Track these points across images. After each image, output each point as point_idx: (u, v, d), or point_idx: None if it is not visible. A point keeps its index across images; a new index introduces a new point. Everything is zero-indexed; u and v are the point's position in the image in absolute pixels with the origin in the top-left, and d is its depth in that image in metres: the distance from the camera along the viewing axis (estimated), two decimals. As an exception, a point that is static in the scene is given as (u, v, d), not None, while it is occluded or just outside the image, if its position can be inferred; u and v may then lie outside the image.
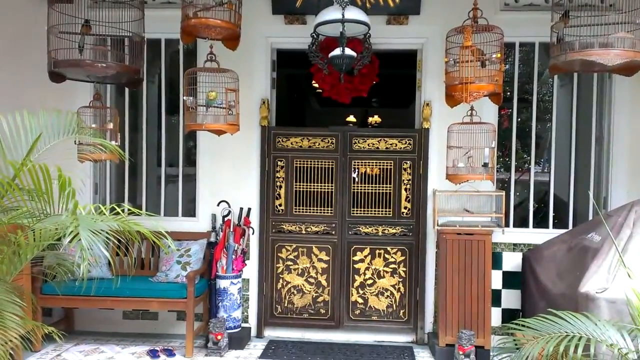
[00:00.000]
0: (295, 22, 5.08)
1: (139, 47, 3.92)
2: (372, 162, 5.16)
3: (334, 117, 8.77)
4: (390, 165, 5.13)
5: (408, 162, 5.12)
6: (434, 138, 5.03)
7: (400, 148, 5.12)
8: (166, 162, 5.48)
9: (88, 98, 4.59)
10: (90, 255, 2.46)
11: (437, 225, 4.82)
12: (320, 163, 5.17)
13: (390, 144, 5.13)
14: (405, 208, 5.15)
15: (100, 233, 2.51)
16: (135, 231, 2.71)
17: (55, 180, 2.65)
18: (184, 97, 4.00)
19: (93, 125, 4.24)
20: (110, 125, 4.29)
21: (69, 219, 2.59)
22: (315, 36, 3.70)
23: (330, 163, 5.17)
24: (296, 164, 5.19)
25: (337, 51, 3.45)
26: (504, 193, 4.83)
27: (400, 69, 5.85)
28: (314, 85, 5.62)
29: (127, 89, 5.17)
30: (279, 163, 5.21)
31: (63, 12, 3.79)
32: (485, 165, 4.21)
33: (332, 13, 3.43)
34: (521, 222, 5.32)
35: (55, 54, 3.73)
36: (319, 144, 5.17)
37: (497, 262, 5.01)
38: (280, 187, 5.22)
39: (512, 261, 5.03)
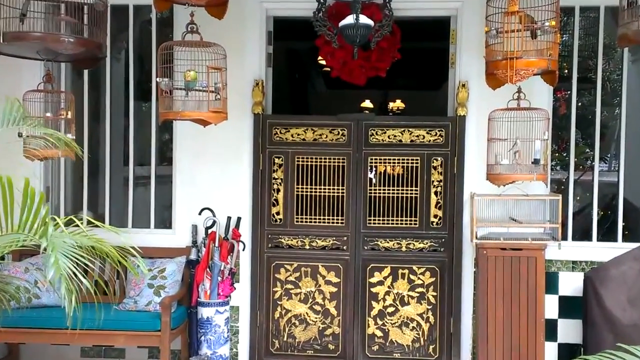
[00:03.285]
0: None
1: (100, 16, 3.91)
2: (394, 159, 5.17)
3: (346, 102, 8.60)
4: (417, 163, 5.14)
5: (439, 158, 5.12)
6: (472, 128, 5.05)
7: (429, 141, 5.13)
8: (135, 160, 5.46)
9: (37, 80, 4.57)
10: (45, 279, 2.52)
11: (476, 238, 4.81)
12: (328, 160, 5.19)
13: (417, 136, 5.14)
14: (435, 216, 5.15)
15: (76, 259, 2.55)
16: (98, 248, 2.74)
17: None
18: (158, 79, 3.99)
19: (47, 114, 4.26)
20: (66, 114, 4.28)
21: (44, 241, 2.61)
22: (322, 0, 3.81)
23: (341, 160, 5.19)
24: (298, 161, 5.21)
25: (349, 19, 3.52)
26: (560, 197, 4.82)
27: (428, 42, 5.88)
28: (320, 62, 5.71)
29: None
30: (276, 160, 5.22)
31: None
32: (536, 162, 4.20)
33: None
34: (582, 234, 5.30)
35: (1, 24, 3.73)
36: (327, 136, 5.20)
37: (551, 285, 5.00)
38: (278, 190, 5.23)
39: (570, 283, 5.02)
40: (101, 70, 5.29)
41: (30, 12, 3.82)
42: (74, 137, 4.18)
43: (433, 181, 5.13)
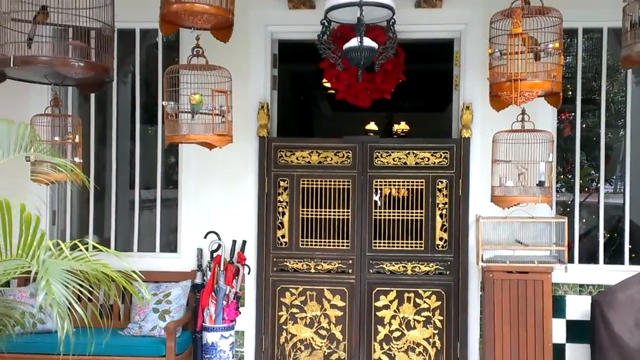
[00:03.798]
0: (301, 7, 5.14)
1: (107, 40, 3.95)
2: (399, 182, 5.17)
3: (350, 124, 8.76)
4: (422, 185, 5.14)
5: (444, 180, 5.12)
6: (476, 150, 5.06)
7: (434, 163, 5.14)
8: (141, 184, 5.47)
9: (44, 104, 4.61)
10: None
11: (482, 261, 4.78)
12: (333, 183, 5.21)
13: (421, 158, 5.15)
14: (440, 239, 5.12)
15: (69, 284, 2.54)
16: (102, 273, 2.72)
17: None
18: (164, 102, 4.02)
19: (56, 138, 4.29)
20: (73, 138, 4.29)
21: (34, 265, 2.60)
22: (326, 23, 3.73)
23: (346, 183, 5.19)
24: (303, 184, 5.22)
25: (353, 42, 3.49)
26: (566, 220, 4.79)
27: (432, 64, 5.89)
28: (325, 84, 5.73)
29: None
30: (281, 183, 5.24)
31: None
32: (541, 184, 4.18)
33: None
34: (589, 257, 5.26)
35: (3, 49, 3.76)
36: (332, 158, 5.21)
37: (559, 309, 4.95)
38: (283, 213, 5.23)
39: (578, 307, 4.97)
40: (108, 93, 5.34)
41: (38, 37, 3.84)
42: (81, 161, 4.23)
43: (438, 203, 5.12)
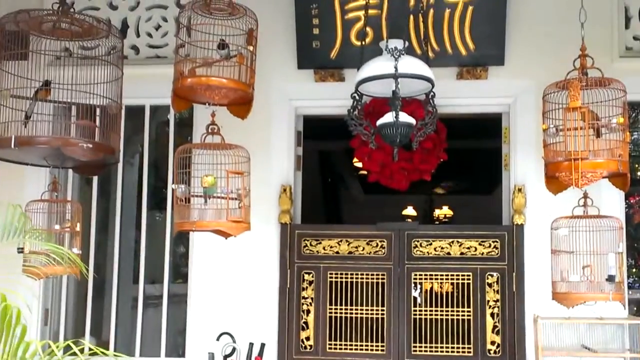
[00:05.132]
0: (329, 79, 5.28)
1: (114, 119, 4.01)
2: (442, 275, 5.13)
3: (385, 209, 8.80)
4: (469, 279, 5.08)
5: (494, 274, 5.07)
6: (531, 239, 5.01)
7: (482, 254, 5.09)
8: (146, 277, 5.48)
9: (41, 187, 4.68)
10: None
11: (543, 369, 4.63)
12: (365, 277, 5.16)
13: (468, 248, 5.12)
14: (492, 343, 5.00)
15: None
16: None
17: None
18: (174, 185, 4.04)
19: (56, 227, 4.27)
20: (73, 226, 4.25)
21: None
22: (357, 97, 3.77)
23: (380, 276, 5.14)
24: (331, 278, 5.19)
25: (388, 117, 3.50)
26: (641, 321, 4.65)
27: (478, 141, 5.97)
28: (356, 164, 5.73)
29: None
30: (306, 277, 5.21)
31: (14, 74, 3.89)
32: (611, 278, 4.08)
33: (381, 65, 3.49)
34: (671, 366, 5.04)
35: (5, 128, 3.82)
36: (364, 248, 5.19)
37: None
38: (308, 312, 5.17)
39: None
40: (112, 176, 5.43)
41: (38, 114, 3.90)
42: (80, 252, 4.18)
43: (488, 301, 5.04)
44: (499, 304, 5.03)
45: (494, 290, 5.05)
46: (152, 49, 5.58)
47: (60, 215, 4.33)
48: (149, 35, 5.59)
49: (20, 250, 3.91)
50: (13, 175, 4.84)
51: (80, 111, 4.00)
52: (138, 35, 5.58)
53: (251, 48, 3.87)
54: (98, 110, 4.01)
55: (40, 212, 4.28)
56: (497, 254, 5.08)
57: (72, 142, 3.79)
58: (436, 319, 5.07)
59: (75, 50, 4.04)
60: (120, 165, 5.18)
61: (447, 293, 5.10)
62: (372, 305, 5.12)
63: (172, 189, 4.20)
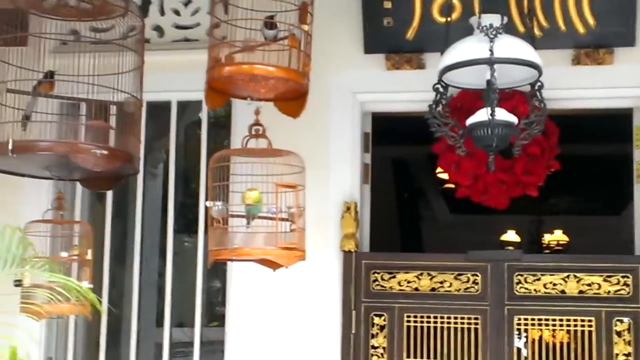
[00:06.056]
0: (405, 66, 5.17)
1: (132, 119, 3.94)
2: (554, 320, 4.94)
3: (478, 234, 8.83)
4: (590, 326, 4.87)
5: (624, 319, 4.83)
6: (674, 274, 4.85)
7: (609, 292, 4.88)
8: (173, 320, 5.44)
9: (43, 203, 4.61)
10: None
11: None
12: (452, 321, 5.02)
13: (589, 285, 4.91)
14: (622, 410, 4.84)
15: None
16: None
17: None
18: (207, 203, 3.89)
19: (63, 254, 4.22)
20: (82, 254, 4.20)
21: None
22: (441, 89, 3.64)
23: (473, 320, 4.99)
24: (408, 322, 5.04)
25: (481, 115, 3.34)
26: None
27: (600, 145, 5.92)
28: (439, 176, 5.87)
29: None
30: (376, 320, 5.07)
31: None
32: None
33: (472, 48, 3.36)
34: None
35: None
36: (451, 284, 5.05)
37: None
38: (379, 364, 4.98)
39: None
40: (130, 191, 5.40)
41: (38, 114, 3.87)
42: (91, 286, 4.07)
43: (617, 354, 4.82)
44: (631, 358, 4.80)
45: (624, 340, 4.81)
46: (180, 30, 5.53)
47: (66, 239, 4.31)
48: (176, 12, 5.53)
49: (18, 284, 3.86)
50: (10, 190, 4.90)
51: (92, 109, 3.95)
52: (162, 13, 5.53)
53: (306, 27, 3.74)
54: (113, 108, 3.97)
55: (42, 235, 4.21)
56: (629, 293, 4.87)
57: (82, 148, 3.74)
58: (547, 379, 4.92)
59: (85, 33, 4.07)
60: (140, 177, 5.17)
61: (561, 344, 4.93)
62: (462, 358, 5.01)
63: (206, 207, 4.09)
